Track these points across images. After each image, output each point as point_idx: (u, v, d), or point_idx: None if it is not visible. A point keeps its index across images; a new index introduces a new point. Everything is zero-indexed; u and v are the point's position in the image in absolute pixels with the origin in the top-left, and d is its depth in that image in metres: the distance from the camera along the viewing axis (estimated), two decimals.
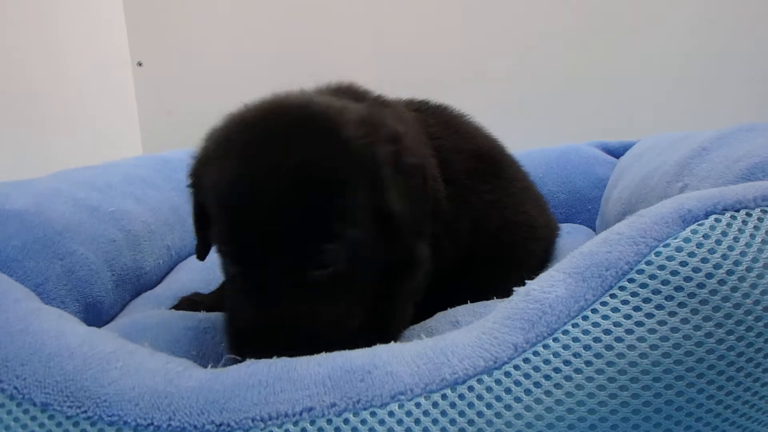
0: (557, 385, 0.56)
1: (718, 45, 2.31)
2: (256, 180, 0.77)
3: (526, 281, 0.68)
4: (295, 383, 0.62)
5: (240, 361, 0.70)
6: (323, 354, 0.67)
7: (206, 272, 1.29)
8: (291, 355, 0.67)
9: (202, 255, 0.99)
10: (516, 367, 0.58)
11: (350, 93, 1.04)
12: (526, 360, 0.58)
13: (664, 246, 0.58)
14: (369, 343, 0.81)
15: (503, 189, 1.17)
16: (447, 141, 1.11)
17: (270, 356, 0.67)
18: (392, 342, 0.84)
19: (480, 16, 2.42)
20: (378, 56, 2.47)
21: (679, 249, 0.57)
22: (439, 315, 0.98)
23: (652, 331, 0.55)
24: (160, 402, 0.61)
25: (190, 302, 1.11)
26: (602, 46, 2.38)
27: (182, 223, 1.44)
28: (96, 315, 1.06)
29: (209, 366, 0.70)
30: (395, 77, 2.37)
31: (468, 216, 1.09)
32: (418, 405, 0.58)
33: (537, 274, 1.05)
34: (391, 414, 0.58)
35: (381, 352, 0.66)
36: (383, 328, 0.90)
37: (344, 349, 0.68)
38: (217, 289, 1.12)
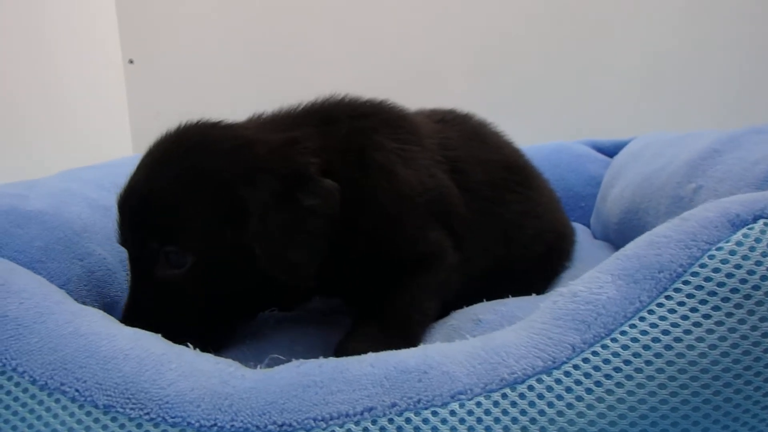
0: (618, 384, 0.57)
1: (703, 42, 2.34)
2: (125, 192, 0.93)
3: (569, 283, 0.70)
4: (351, 384, 0.63)
5: (284, 361, 0.72)
6: (373, 354, 0.69)
7: None
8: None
9: None
10: (576, 367, 0.59)
11: (325, 113, 1.05)
12: (586, 360, 0.59)
13: (717, 249, 0.60)
14: (390, 344, 0.84)
15: (533, 199, 1.19)
16: (467, 152, 1.12)
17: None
18: (414, 342, 0.87)
19: (465, 13, 2.43)
20: (365, 55, 2.48)
21: (732, 252, 0.60)
22: (457, 313, 0.99)
23: (710, 331, 0.57)
24: (221, 403, 0.61)
25: None
26: (587, 43, 2.41)
27: None
28: (113, 314, 1.05)
29: (257, 366, 0.71)
30: (382, 75, 2.40)
31: (496, 226, 1.11)
32: (479, 404, 0.59)
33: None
34: (452, 413, 0.59)
35: (431, 352, 0.67)
36: (403, 327, 0.91)
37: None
38: None
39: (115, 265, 1.09)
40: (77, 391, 0.62)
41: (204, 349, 0.76)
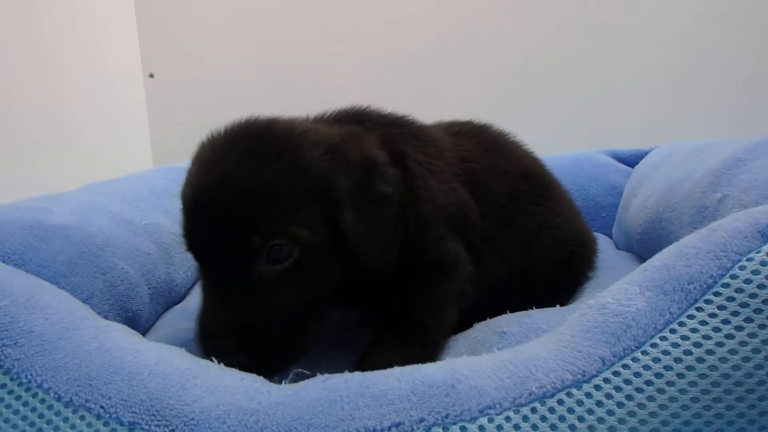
0: (650, 398, 0.57)
1: (722, 52, 2.33)
2: (207, 186, 0.85)
3: (597, 294, 0.69)
4: (378, 399, 0.62)
5: (308, 376, 0.71)
6: (399, 369, 0.68)
7: None
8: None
9: None
10: (606, 381, 0.59)
11: (356, 118, 1.07)
12: (616, 373, 0.59)
13: (747, 260, 0.60)
14: (411, 354, 0.83)
15: (552, 210, 1.19)
16: (484, 164, 1.13)
17: (227, 355, 0.76)
18: (437, 355, 0.87)
19: (486, 25, 2.43)
20: (384, 67, 2.48)
21: (763, 263, 0.59)
22: (481, 325, 0.98)
23: (743, 343, 0.56)
24: (246, 419, 0.61)
25: None
26: (606, 53, 2.40)
27: None
28: (134, 328, 1.05)
29: (282, 381, 0.71)
30: (400, 87, 2.39)
31: (514, 237, 1.11)
32: (508, 419, 0.59)
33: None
34: (481, 428, 0.59)
35: (459, 366, 0.66)
36: (422, 336, 0.91)
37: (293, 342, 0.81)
38: None
39: (137, 278, 1.09)
40: (102, 408, 0.62)
41: (288, 360, 0.81)
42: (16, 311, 0.69)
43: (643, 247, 1.40)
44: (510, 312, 1.01)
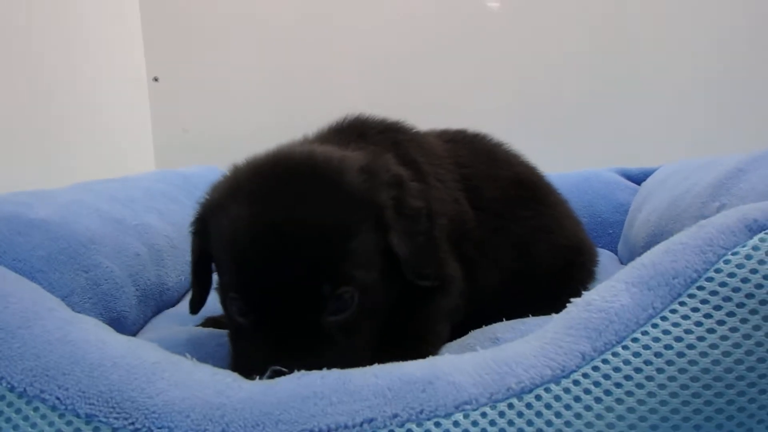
0: (629, 393, 0.55)
1: (731, 71, 2.32)
2: (269, 227, 0.78)
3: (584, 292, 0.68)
4: (353, 394, 0.60)
5: (286, 374, 0.69)
6: (379, 366, 0.66)
7: None
8: None
9: (196, 308, 0.98)
10: (585, 376, 0.57)
11: (356, 130, 1.06)
12: (596, 368, 0.57)
13: (732, 254, 0.58)
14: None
15: (547, 215, 1.18)
16: (478, 169, 1.12)
17: None
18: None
19: (493, 38, 2.43)
20: (388, 69, 2.48)
21: (748, 257, 0.57)
22: (476, 332, 0.97)
23: (724, 338, 0.55)
24: (212, 413, 0.59)
25: (215, 322, 1.10)
26: (615, 71, 2.40)
27: None
28: (119, 330, 1.03)
29: (256, 378, 0.69)
30: (403, 89, 2.40)
31: (509, 242, 1.10)
32: (484, 414, 0.57)
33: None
34: (456, 424, 0.57)
35: (440, 363, 0.65)
36: (417, 350, 0.88)
37: None
38: None
39: (124, 278, 1.07)
40: (58, 398, 0.59)
41: None
42: None
43: None
44: (508, 320, 0.99)
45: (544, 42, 2.43)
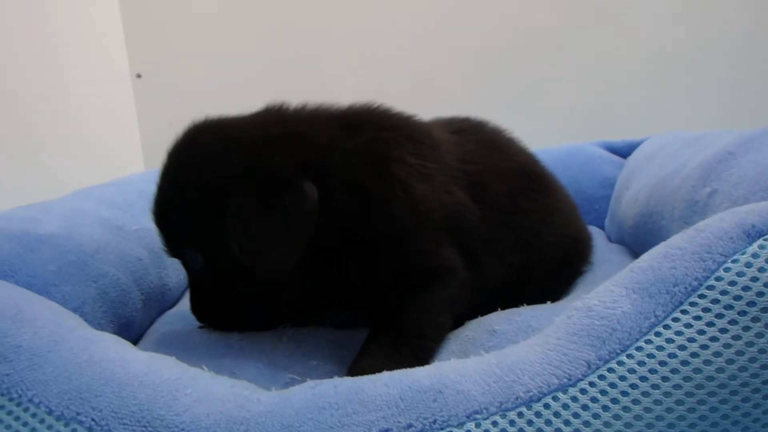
0: (635, 401, 0.57)
1: (715, 39, 2.32)
2: (156, 193, 1.01)
3: (583, 296, 0.70)
4: (367, 405, 0.62)
5: (299, 381, 0.71)
6: (388, 374, 0.68)
7: None
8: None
9: None
10: (591, 384, 0.59)
11: (357, 116, 1.08)
12: (602, 377, 0.59)
13: (732, 262, 0.60)
14: (402, 359, 0.83)
15: (551, 206, 1.19)
16: (484, 164, 1.12)
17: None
18: (429, 360, 0.87)
19: (473, 15, 2.42)
20: (373, 61, 2.47)
21: (748, 265, 0.59)
22: (473, 323, 0.98)
23: (727, 346, 0.56)
24: (236, 428, 0.61)
25: None
26: (594, 41, 2.39)
27: None
28: (128, 335, 1.06)
29: (272, 388, 0.71)
30: (389, 78, 2.39)
31: (514, 235, 1.10)
32: (495, 423, 0.59)
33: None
34: None
35: (446, 370, 0.66)
36: (416, 342, 0.91)
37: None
38: None
39: (129, 284, 1.09)
40: (93, 420, 0.62)
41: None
42: (4, 326, 0.69)
43: (634, 240, 1.40)
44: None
45: (519, 12, 2.42)
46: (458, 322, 0.99)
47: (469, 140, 1.16)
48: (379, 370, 0.71)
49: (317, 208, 0.88)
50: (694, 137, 1.37)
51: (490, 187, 1.09)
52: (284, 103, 1.08)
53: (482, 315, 1.01)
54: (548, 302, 1.04)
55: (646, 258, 0.68)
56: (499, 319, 0.96)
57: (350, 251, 0.95)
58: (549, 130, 2.26)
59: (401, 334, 0.90)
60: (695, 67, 2.34)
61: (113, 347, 0.73)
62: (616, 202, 1.64)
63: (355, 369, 0.84)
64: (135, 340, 1.09)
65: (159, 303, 1.21)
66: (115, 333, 1.01)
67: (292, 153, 0.93)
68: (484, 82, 2.44)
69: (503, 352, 0.69)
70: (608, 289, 0.67)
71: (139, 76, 2.49)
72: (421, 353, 0.89)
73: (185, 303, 1.26)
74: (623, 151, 1.93)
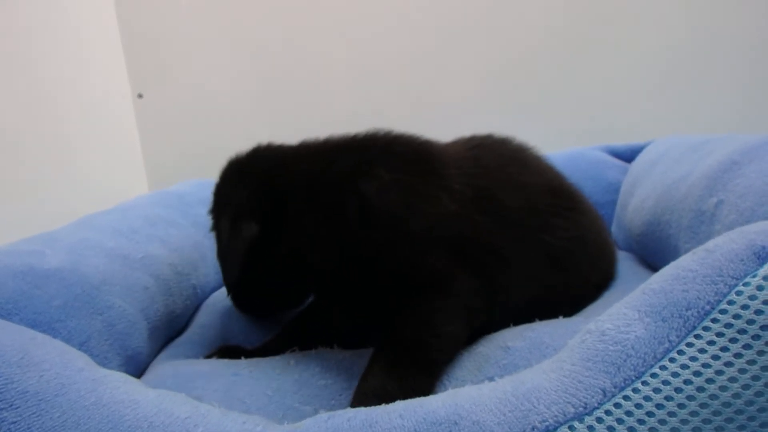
0: (652, 429, 0.56)
1: (718, 43, 2.30)
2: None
3: (596, 318, 0.69)
4: None
5: (311, 412, 0.71)
6: (402, 404, 0.67)
7: (228, 315, 1.33)
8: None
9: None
10: (607, 413, 0.58)
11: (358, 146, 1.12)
12: (617, 405, 0.58)
13: (744, 285, 0.59)
14: (405, 375, 0.82)
15: (582, 223, 1.17)
16: (500, 178, 1.10)
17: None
18: (436, 374, 0.87)
19: (479, 20, 2.41)
20: (377, 81, 2.46)
21: (760, 288, 0.58)
22: (486, 339, 0.97)
23: (742, 371, 0.56)
24: None
25: (229, 350, 1.14)
26: (597, 45, 2.38)
27: (204, 259, 1.44)
28: (135, 366, 1.05)
29: (282, 417, 0.71)
30: (392, 89, 2.38)
31: (541, 253, 1.08)
32: None
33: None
34: None
35: (461, 399, 0.66)
36: (418, 355, 0.90)
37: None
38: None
39: (136, 315, 1.08)
40: None
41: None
42: (9, 372, 0.68)
43: (642, 248, 1.39)
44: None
45: (524, 17, 2.41)
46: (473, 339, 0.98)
47: (486, 155, 1.14)
48: (383, 390, 0.71)
49: (252, 242, 1.06)
50: (698, 141, 1.36)
51: (503, 201, 1.06)
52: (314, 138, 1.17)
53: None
54: (560, 317, 1.03)
55: (657, 279, 0.67)
56: (512, 335, 0.95)
57: (343, 268, 1.01)
58: (551, 135, 2.25)
59: (401, 348, 0.89)
60: (697, 70, 2.33)
61: (122, 387, 0.72)
62: (622, 208, 1.63)
63: (359, 393, 0.83)
64: (142, 371, 1.09)
65: (166, 331, 1.21)
66: (121, 365, 1.01)
67: (244, 189, 1.13)
68: (485, 87, 2.42)
69: (518, 378, 0.69)
70: (621, 312, 0.67)
71: (140, 96, 2.49)
72: (424, 365, 0.88)
73: (193, 330, 1.26)
74: (627, 156, 1.91)
